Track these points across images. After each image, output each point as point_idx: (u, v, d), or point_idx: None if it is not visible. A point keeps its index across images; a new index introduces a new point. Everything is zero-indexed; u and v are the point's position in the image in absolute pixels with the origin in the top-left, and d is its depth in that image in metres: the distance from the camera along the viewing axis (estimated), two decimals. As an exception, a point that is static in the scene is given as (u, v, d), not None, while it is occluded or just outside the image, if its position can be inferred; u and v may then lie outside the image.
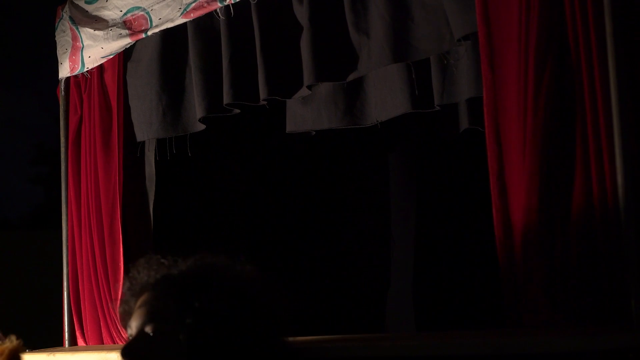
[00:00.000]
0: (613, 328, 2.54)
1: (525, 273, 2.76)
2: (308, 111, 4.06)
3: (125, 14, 4.02)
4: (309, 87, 3.70)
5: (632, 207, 2.52)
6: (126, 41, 4.05)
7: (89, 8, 4.18)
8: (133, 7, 3.99)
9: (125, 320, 1.63)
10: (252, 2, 3.67)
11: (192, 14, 3.79)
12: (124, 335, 3.53)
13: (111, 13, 4.08)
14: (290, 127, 4.16)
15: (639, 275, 2.49)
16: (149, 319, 1.50)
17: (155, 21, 3.92)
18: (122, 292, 1.70)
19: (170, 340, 1.47)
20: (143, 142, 4.18)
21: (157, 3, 3.88)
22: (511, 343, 2.43)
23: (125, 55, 4.16)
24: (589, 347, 2.28)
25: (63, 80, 4.33)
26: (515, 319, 2.79)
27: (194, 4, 3.77)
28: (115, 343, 4.01)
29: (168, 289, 1.49)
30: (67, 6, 4.29)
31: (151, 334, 1.50)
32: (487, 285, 3.69)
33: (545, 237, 2.72)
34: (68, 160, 4.30)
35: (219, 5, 3.71)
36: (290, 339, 1.53)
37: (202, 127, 3.99)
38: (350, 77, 3.62)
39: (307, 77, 3.58)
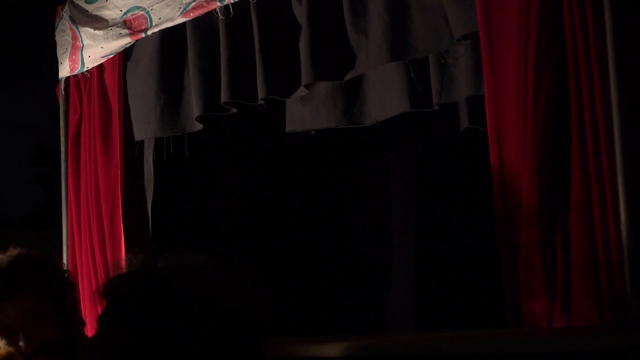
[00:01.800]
0: (613, 328, 2.54)
1: (525, 273, 2.76)
2: (307, 110, 4.06)
3: (125, 13, 4.02)
4: (307, 87, 3.70)
5: (632, 206, 2.52)
6: (126, 41, 4.05)
7: (89, 8, 4.18)
8: (133, 7, 3.99)
9: None
10: (251, 1, 3.67)
11: (191, 14, 3.79)
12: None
13: (111, 13, 4.07)
14: (289, 127, 4.16)
15: (639, 275, 2.49)
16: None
17: (155, 21, 3.91)
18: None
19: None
20: (142, 142, 4.18)
21: (157, 3, 3.88)
22: (511, 343, 2.43)
23: (125, 55, 4.16)
24: (589, 347, 2.27)
25: (63, 80, 4.34)
26: (515, 319, 2.79)
27: (193, 4, 3.76)
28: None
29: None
30: (67, 6, 4.29)
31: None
32: (487, 285, 3.69)
33: (545, 237, 2.72)
34: (68, 160, 4.30)
35: (219, 4, 3.70)
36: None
37: (200, 126, 3.99)
38: (348, 77, 3.62)
39: (305, 76, 3.58)
